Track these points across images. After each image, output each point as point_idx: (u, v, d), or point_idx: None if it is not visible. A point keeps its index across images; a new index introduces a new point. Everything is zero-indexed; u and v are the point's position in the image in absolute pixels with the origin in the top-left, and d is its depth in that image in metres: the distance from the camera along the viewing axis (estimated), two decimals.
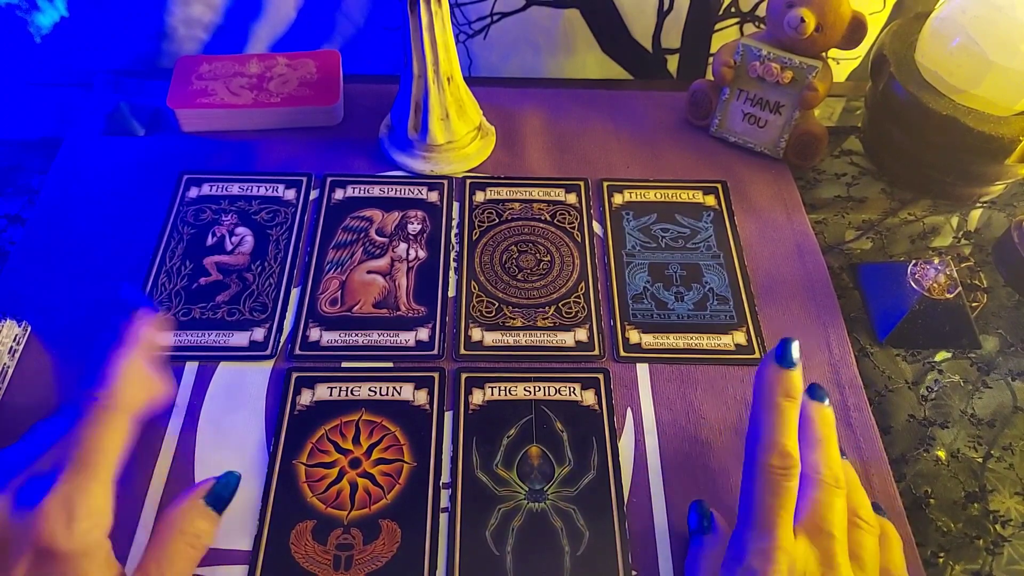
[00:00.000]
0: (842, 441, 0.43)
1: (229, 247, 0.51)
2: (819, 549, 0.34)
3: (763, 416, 0.35)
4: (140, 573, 0.32)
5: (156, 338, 0.35)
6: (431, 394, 0.44)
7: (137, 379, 0.33)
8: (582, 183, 0.56)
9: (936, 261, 0.48)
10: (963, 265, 0.52)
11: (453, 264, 0.51)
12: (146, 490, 0.40)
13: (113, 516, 0.31)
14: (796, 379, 0.35)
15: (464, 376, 0.45)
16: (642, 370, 0.46)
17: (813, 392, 0.38)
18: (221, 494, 0.35)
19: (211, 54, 0.64)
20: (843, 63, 0.69)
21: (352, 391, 0.44)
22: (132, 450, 0.32)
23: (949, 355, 0.48)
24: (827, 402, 0.38)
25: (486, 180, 0.56)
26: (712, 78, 0.58)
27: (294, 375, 0.44)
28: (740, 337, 0.48)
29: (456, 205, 0.54)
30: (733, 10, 0.65)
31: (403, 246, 0.51)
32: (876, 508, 0.39)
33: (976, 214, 0.56)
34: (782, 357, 0.35)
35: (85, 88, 0.60)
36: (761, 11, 0.65)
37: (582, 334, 0.47)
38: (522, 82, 0.65)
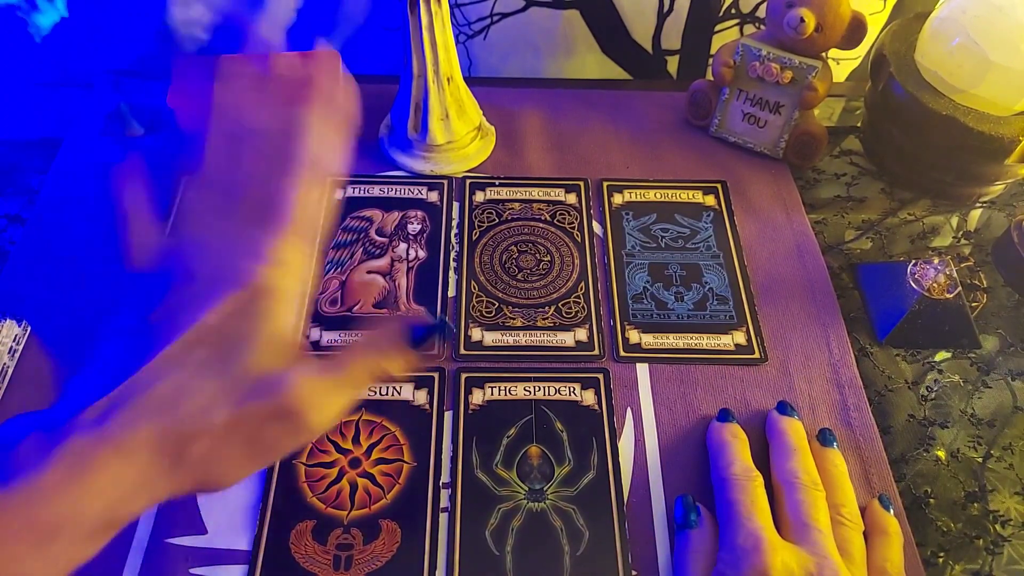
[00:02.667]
0: (842, 441, 0.43)
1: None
2: (808, 544, 0.35)
3: (719, 452, 0.41)
4: (327, 359, 0.30)
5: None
6: (431, 394, 0.44)
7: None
8: (582, 183, 0.56)
9: (936, 261, 0.48)
10: (963, 265, 0.52)
11: (453, 264, 0.51)
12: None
13: (310, 283, 0.31)
14: (734, 427, 0.42)
15: (464, 376, 0.45)
16: (642, 370, 0.46)
17: (782, 409, 0.43)
18: (429, 338, 0.31)
19: (211, 54, 0.64)
20: (843, 63, 0.69)
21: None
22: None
23: (949, 355, 0.48)
24: (796, 416, 0.42)
25: (486, 180, 0.56)
26: (712, 78, 0.58)
27: None
28: (740, 337, 0.48)
29: (456, 205, 0.54)
30: (733, 11, 0.65)
31: (403, 246, 0.51)
32: (883, 502, 0.39)
33: (976, 214, 0.56)
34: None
35: (85, 88, 0.60)
36: (761, 12, 0.65)
37: (582, 334, 0.47)
38: (522, 82, 0.65)
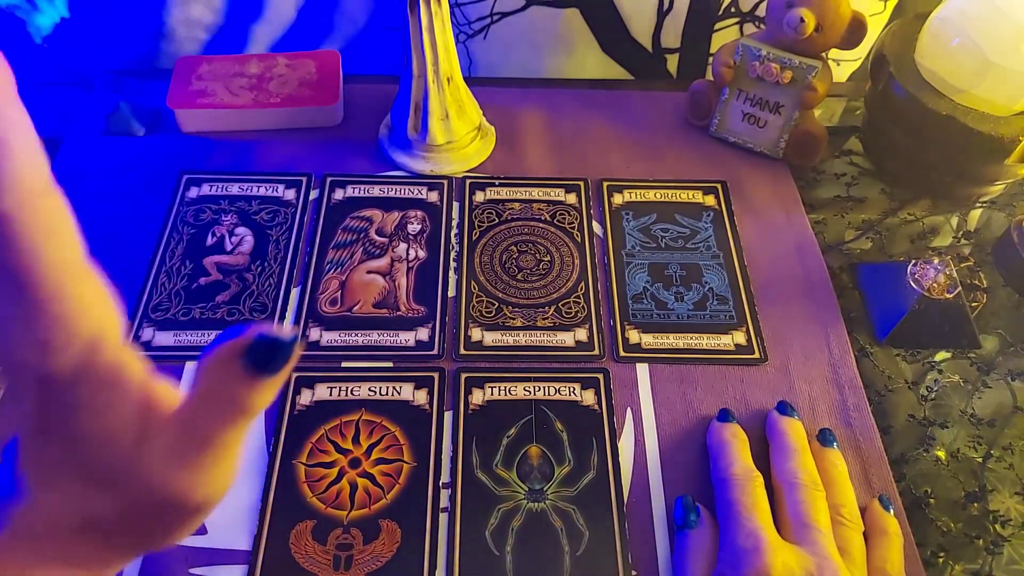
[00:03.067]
0: (842, 441, 0.43)
1: (229, 247, 0.51)
2: (808, 545, 0.35)
3: (719, 452, 0.41)
4: (173, 423, 0.23)
5: None
6: (431, 394, 0.44)
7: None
8: (582, 183, 0.56)
9: (936, 261, 0.48)
10: (963, 265, 0.52)
11: (453, 264, 0.51)
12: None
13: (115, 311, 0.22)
14: (735, 427, 0.42)
15: (464, 376, 0.45)
16: (642, 370, 0.46)
17: (782, 409, 0.43)
18: (264, 355, 0.22)
19: (211, 54, 0.64)
20: (844, 64, 0.69)
21: (352, 391, 0.44)
22: None
23: (949, 355, 0.48)
24: (796, 416, 0.42)
25: (486, 180, 0.56)
26: (712, 78, 0.58)
27: (294, 375, 0.44)
28: (740, 337, 0.48)
29: (456, 205, 0.54)
30: (733, 10, 0.65)
31: (403, 246, 0.51)
32: (883, 502, 0.39)
33: (976, 214, 0.56)
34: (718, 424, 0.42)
35: (85, 88, 0.60)
36: (761, 11, 0.65)
37: (582, 334, 0.47)
38: (522, 82, 0.65)
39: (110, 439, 0.22)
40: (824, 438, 0.42)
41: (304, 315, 0.47)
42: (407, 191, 0.55)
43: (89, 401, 0.22)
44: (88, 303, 0.20)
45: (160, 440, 0.23)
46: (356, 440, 0.42)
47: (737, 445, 0.41)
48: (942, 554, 0.40)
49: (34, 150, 0.19)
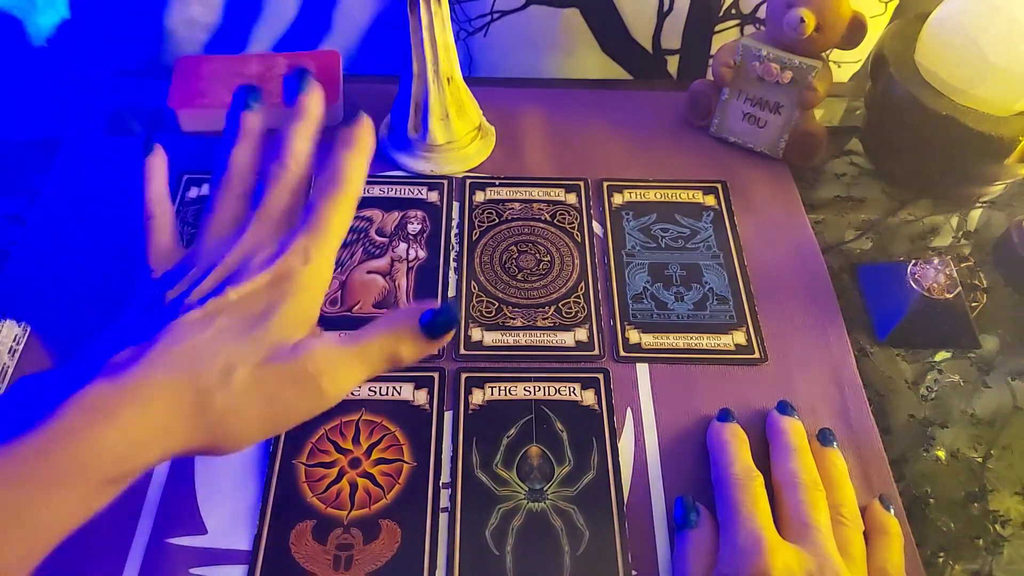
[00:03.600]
0: (842, 441, 0.43)
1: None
2: (808, 544, 0.35)
3: (720, 452, 0.41)
4: (344, 334, 0.32)
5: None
6: (431, 394, 0.44)
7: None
8: (582, 183, 0.56)
9: (936, 261, 0.48)
10: (963, 265, 0.52)
11: (453, 264, 0.51)
12: (145, 491, 0.40)
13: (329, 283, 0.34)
14: (734, 427, 0.42)
15: (464, 376, 0.45)
16: (642, 370, 0.46)
17: (783, 408, 0.43)
18: (438, 324, 0.32)
19: (211, 54, 0.64)
20: (845, 66, 0.69)
21: (352, 391, 0.44)
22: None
23: (949, 355, 0.48)
24: (796, 416, 0.42)
25: (486, 180, 0.56)
26: (712, 78, 0.58)
27: None
28: (740, 337, 0.48)
29: (456, 205, 0.54)
30: (734, 12, 0.65)
31: (403, 246, 0.51)
32: (883, 502, 0.39)
33: (976, 214, 0.56)
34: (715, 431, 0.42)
35: (85, 88, 0.60)
36: (761, 13, 0.65)
37: (582, 334, 0.47)
38: (522, 82, 0.65)
39: (291, 318, 0.31)
40: (824, 438, 0.42)
41: None
42: (407, 191, 0.55)
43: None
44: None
45: (326, 337, 0.32)
46: (356, 440, 0.42)
47: (737, 445, 0.41)
48: (942, 554, 0.40)
49: None
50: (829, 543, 0.35)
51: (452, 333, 0.33)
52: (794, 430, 0.41)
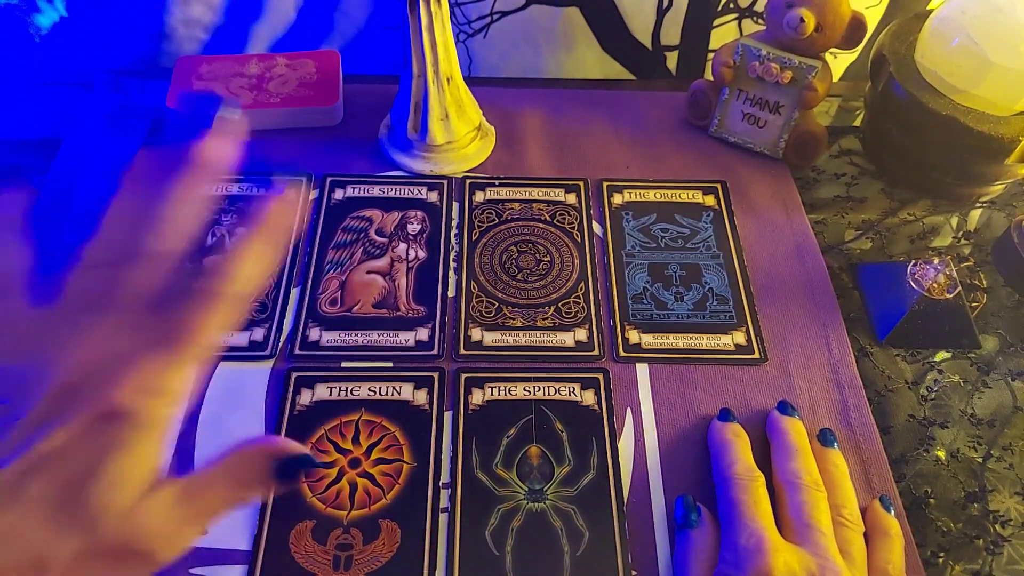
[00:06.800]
0: (842, 441, 0.43)
1: (229, 247, 0.51)
2: (810, 545, 0.35)
3: (721, 451, 0.40)
4: (181, 485, 0.26)
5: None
6: (431, 394, 0.44)
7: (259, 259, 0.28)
8: (582, 183, 0.56)
9: (936, 261, 0.48)
10: (963, 265, 0.52)
11: (453, 264, 0.51)
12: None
13: (187, 398, 0.26)
14: (736, 426, 0.42)
15: (464, 376, 0.45)
16: (642, 370, 0.46)
17: (783, 408, 0.43)
18: (296, 470, 0.27)
19: (211, 54, 0.64)
20: (839, 57, 0.68)
21: (352, 391, 0.44)
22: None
23: (949, 355, 0.48)
24: (797, 416, 0.42)
25: (486, 180, 0.56)
26: (712, 78, 0.58)
27: (294, 375, 0.44)
28: (740, 337, 0.48)
29: (456, 205, 0.54)
30: (731, 5, 0.65)
31: (403, 246, 0.51)
32: (884, 503, 0.39)
33: (976, 214, 0.56)
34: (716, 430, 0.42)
35: (85, 88, 0.60)
36: (759, 6, 0.65)
37: (582, 334, 0.47)
38: (522, 82, 0.65)
39: (121, 481, 0.24)
40: (824, 438, 0.42)
41: (304, 315, 0.47)
42: (407, 191, 0.55)
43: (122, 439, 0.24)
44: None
45: (162, 498, 0.25)
46: (356, 440, 0.42)
47: (739, 444, 0.41)
48: (942, 554, 0.40)
49: None
50: (830, 544, 0.35)
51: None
52: (795, 430, 0.41)
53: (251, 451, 0.27)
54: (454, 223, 0.53)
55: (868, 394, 0.45)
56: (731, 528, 0.36)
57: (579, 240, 0.52)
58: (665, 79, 0.70)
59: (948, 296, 0.47)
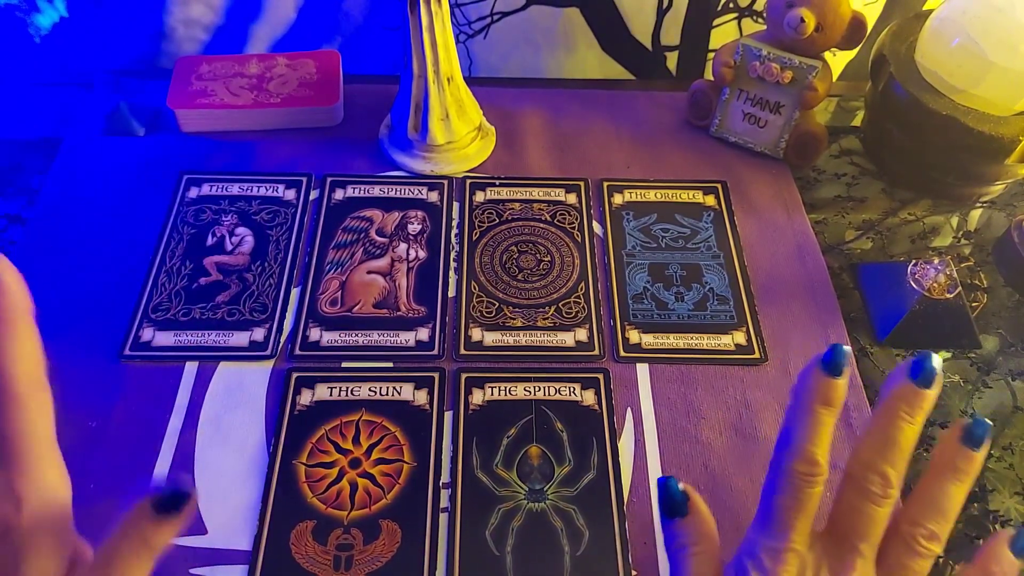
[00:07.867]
0: (842, 441, 0.43)
1: (229, 247, 0.51)
2: (836, 559, 0.31)
3: (796, 421, 0.31)
4: (95, 555, 0.28)
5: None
6: (431, 394, 0.44)
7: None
8: (582, 183, 0.56)
9: (936, 261, 0.48)
10: (963, 265, 0.52)
11: (453, 264, 0.51)
12: (145, 491, 0.40)
13: (68, 487, 0.28)
14: (840, 388, 0.30)
15: (464, 376, 0.45)
16: (642, 370, 0.46)
17: (918, 367, 0.30)
18: (169, 500, 0.28)
19: (211, 54, 0.64)
20: (838, 56, 0.68)
21: (352, 391, 0.44)
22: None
23: (949, 355, 0.48)
24: (933, 387, 0.31)
25: (486, 180, 0.56)
26: (712, 78, 0.58)
27: (294, 375, 0.44)
28: (740, 337, 0.48)
29: (456, 205, 0.54)
30: (731, 5, 0.65)
31: (403, 246, 0.51)
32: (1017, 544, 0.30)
33: (976, 214, 0.56)
34: (829, 364, 0.30)
35: (85, 88, 0.60)
36: (758, 5, 0.65)
37: (582, 334, 0.47)
38: (522, 82, 0.65)
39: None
40: (971, 436, 0.30)
41: (304, 315, 0.47)
42: (407, 191, 0.55)
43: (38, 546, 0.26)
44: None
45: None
46: (356, 440, 0.42)
47: (821, 421, 0.30)
48: (942, 554, 0.40)
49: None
50: (861, 564, 0.30)
51: (191, 501, 0.28)
52: (918, 405, 0.30)
53: (131, 512, 0.28)
54: (454, 223, 0.53)
55: (868, 394, 0.45)
56: (763, 519, 0.31)
57: (579, 240, 0.52)
58: (665, 79, 0.70)
59: (948, 296, 0.47)
